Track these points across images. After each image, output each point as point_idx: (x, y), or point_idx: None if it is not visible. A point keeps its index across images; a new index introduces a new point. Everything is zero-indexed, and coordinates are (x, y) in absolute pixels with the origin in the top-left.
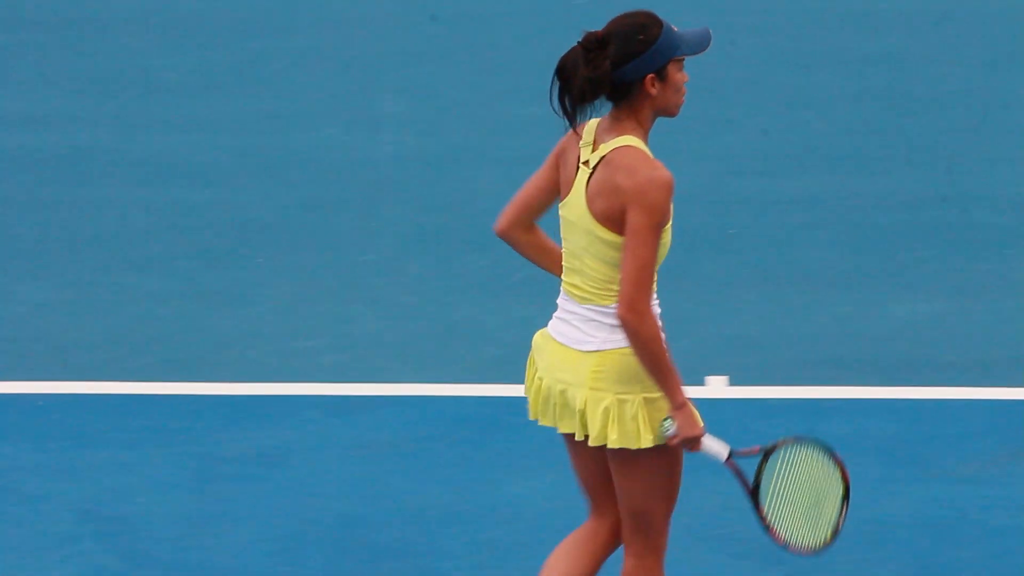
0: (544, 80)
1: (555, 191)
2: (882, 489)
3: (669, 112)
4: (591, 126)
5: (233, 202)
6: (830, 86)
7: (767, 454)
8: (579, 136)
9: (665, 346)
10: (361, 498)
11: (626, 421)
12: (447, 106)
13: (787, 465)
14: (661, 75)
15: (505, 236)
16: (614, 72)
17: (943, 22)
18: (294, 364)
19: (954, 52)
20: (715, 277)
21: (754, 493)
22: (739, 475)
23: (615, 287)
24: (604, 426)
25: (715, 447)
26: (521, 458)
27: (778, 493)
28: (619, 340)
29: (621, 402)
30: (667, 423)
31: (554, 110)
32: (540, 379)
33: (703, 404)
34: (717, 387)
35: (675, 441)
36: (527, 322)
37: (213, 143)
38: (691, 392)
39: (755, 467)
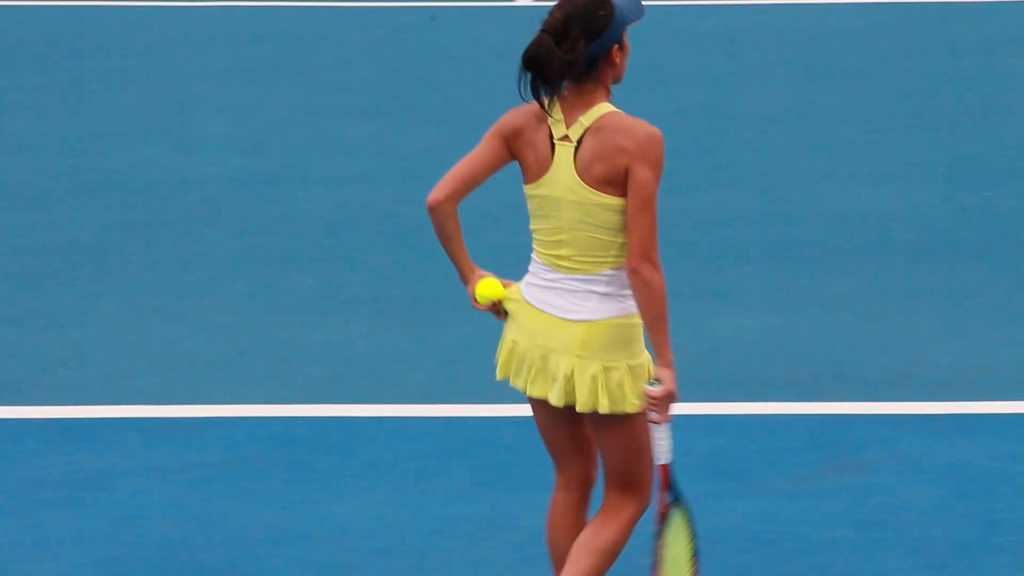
0: (367, 99)
1: (496, 169)
2: (707, 504)
3: (620, 79)
4: (554, 105)
5: (54, 223)
6: (652, 103)
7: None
8: (541, 117)
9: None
10: (185, 521)
11: (612, 388)
12: (270, 126)
13: (677, 527)
14: (621, 44)
15: (439, 207)
16: (588, 55)
17: (762, 41)
18: (117, 386)
19: (774, 70)
20: None
21: (664, 519)
22: (666, 487)
23: (612, 253)
24: (592, 393)
25: (666, 443)
26: (347, 478)
27: (672, 542)
28: (607, 311)
29: (607, 370)
30: (654, 382)
31: (523, 98)
32: (515, 342)
33: (528, 422)
34: None
35: (660, 394)
36: (351, 342)
37: (33, 164)
38: (515, 410)
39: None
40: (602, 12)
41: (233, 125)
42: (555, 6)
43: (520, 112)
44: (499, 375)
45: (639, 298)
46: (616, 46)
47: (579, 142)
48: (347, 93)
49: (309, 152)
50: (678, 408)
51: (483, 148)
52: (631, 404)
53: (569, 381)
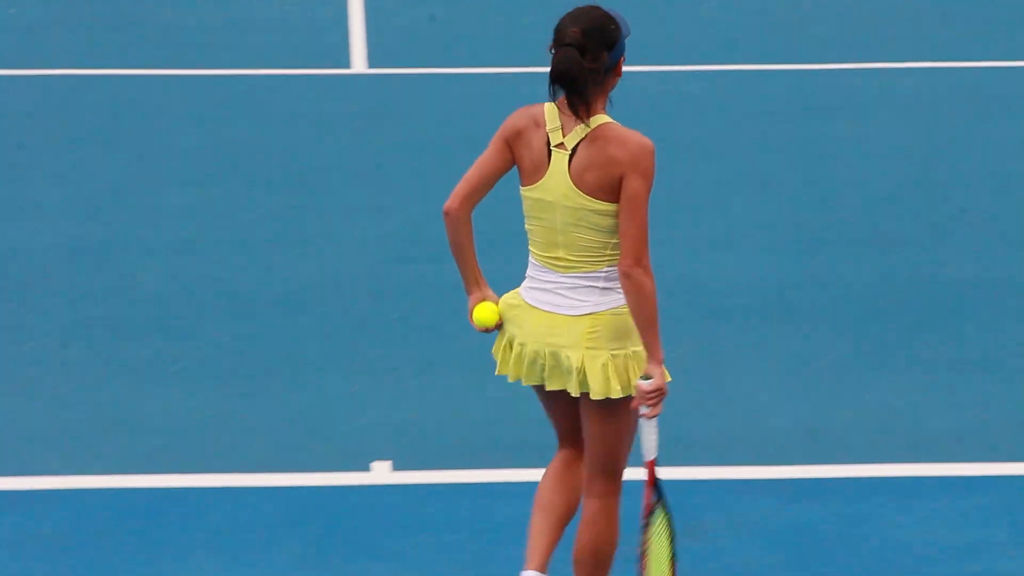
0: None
1: (504, 171)
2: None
3: (612, 88)
4: (552, 113)
5: None
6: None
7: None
8: (540, 122)
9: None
10: None
11: (621, 373)
12: (102, 194)
13: (660, 524)
14: (624, 57)
15: (456, 213)
16: (605, 68)
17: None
18: None
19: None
20: (379, 362)
21: (650, 514)
22: (651, 484)
23: (607, 252)
24: (604, 380)
25: (654, 438)
26: (186, 548)
27: (657, 536)
28: (608, 302)
29: (614, 357)
30: (646, 377)
31: (566, 112)
32: (522, 345)
33: (367, 491)
34: (381, 473)
35: (651, 388)
36: (187, 411)
37: None
38: (354, 479)
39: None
40: (613, 26)
41: (65, 193)
42: (567, 23)
43: (522, 114)
44: (510, 377)
45: (630, 300)
46: (623, 57)
47: (574, 150)
48: (178, 160)
49: (142, 220)
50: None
51: (490, 152)
52: (635, 388)
53: (581, 372)
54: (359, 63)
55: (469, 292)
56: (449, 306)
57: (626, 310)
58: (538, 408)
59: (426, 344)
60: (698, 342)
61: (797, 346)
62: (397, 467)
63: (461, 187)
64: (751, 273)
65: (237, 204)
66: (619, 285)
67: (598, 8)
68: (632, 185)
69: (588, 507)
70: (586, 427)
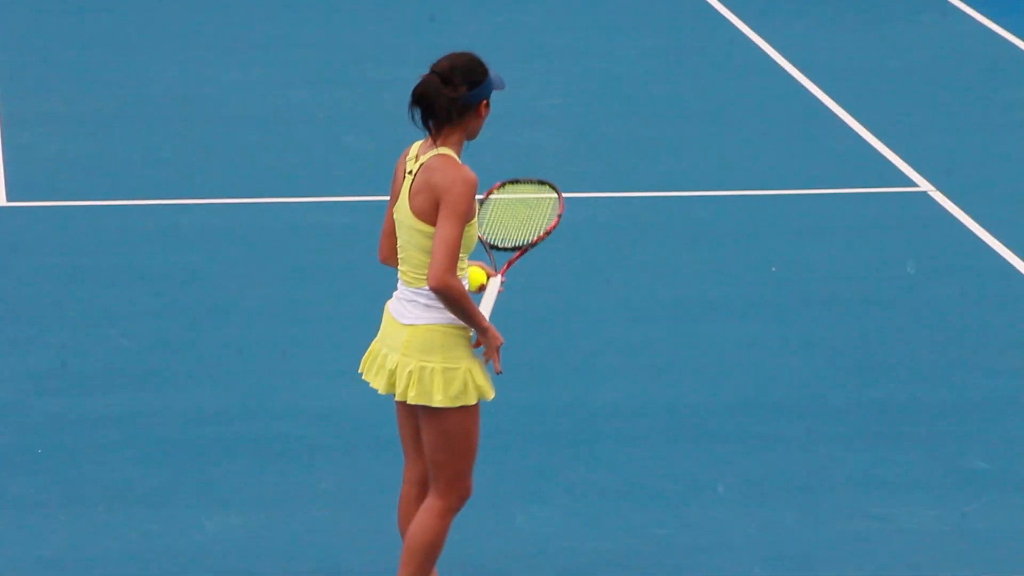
0: None
1: None
2: None
3: (475, 135)
4: (417, 145)
5: None
6: (130, 302)
7: (481, 203)
8: (407, 155)
9: (469, 297)
10: None
11: (424, 383)
12: None
13: (499, 203)
14: (487, 103)
15: (383, 258)
16: (462, 101)
17: (243, 238)
18: None
19: (251, 268)
20: (24, 498)
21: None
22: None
23: (424, 272)
24: (407, 386)
25: (492, 299)
26: None
27: (494, 221)
28: (427, 318)
29: (422, 368)
30: (479, 352)
31: (419, 127)
32: (376, 343)
33: None
34: None
35: (487, 348)
36: None
37: None
38: None
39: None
40: (481, 68)
41: None
42: (442, 58)
43: (404, 153)
44: (360, 367)
45: (446, 305)
46: (485, 101)
47: (414, 176)
48: None
49: None
50: None
51: (391, 197)
52: (436, 399)
53: (392, 374)
54: None
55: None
56: (96, 439)
57: (440, 328)
58: (191, 540)
59: (71, 478)
60: (347, 472)
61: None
62: None
63: (382, 240)
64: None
65: None
66: (436, 304)
67: (469, 54)
68: (443, 210)
69: (424, 502)
70: (421, 433)
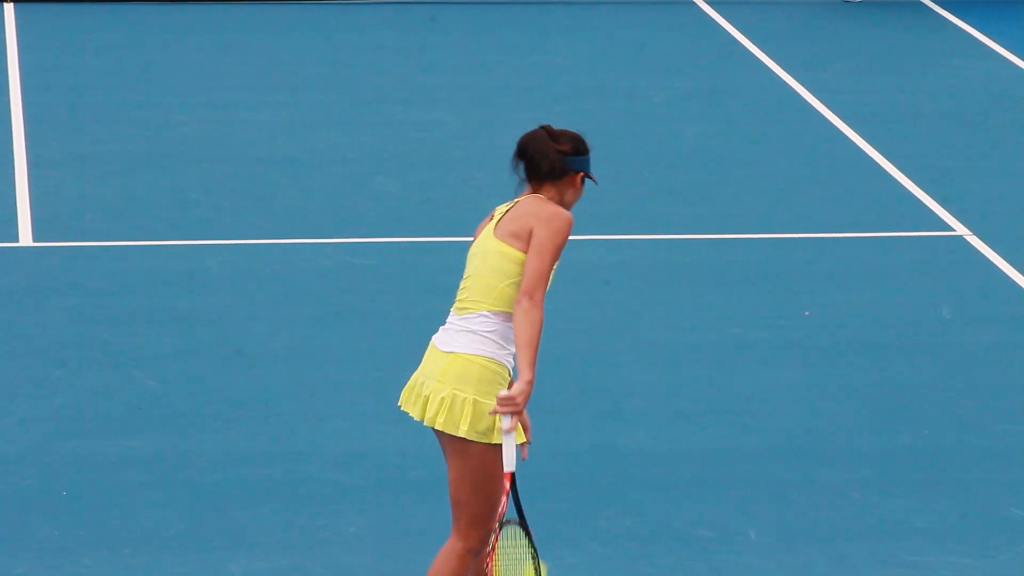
0: None
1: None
2: None
3: (569, 206)
4: (500, 208)
5: None
6: (156, 344)
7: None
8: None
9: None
10: None
11: (454, 411)
12: None
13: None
14: (585, 178)
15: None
16: (565, 159)
17: (271, 280)
18: None
19: (279, 310)
20: (50, 541)
21: (500, 520)
22: (506, 493)
23: (490, 298)
24: (437, 411)
25: (512, 452)
26: None
27: (511, 557)
28: (470, 348)
29: (454, 396)
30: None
31: (521, 179)
32: (415, 374)
33: None
34: None
35: (506, 395)
36: None
37: None
38: None
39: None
40: (583, 142)
41: None
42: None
43: (488, 218)
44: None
45: (520, 323)
46: (583, 174)
47: (502, 215)
48: None
49: None
50: None
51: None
52: (463, 430)
53: (427, 400)
54: (26, 236)
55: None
56: (122, 481)
57: (479, 359)
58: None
59: (98, 520)
60: (375, 515)
61: None
62: None
63: None
64: (423, 445)
65: None
66: (488, 335)
67: (572, 132)
68: (538, 238)
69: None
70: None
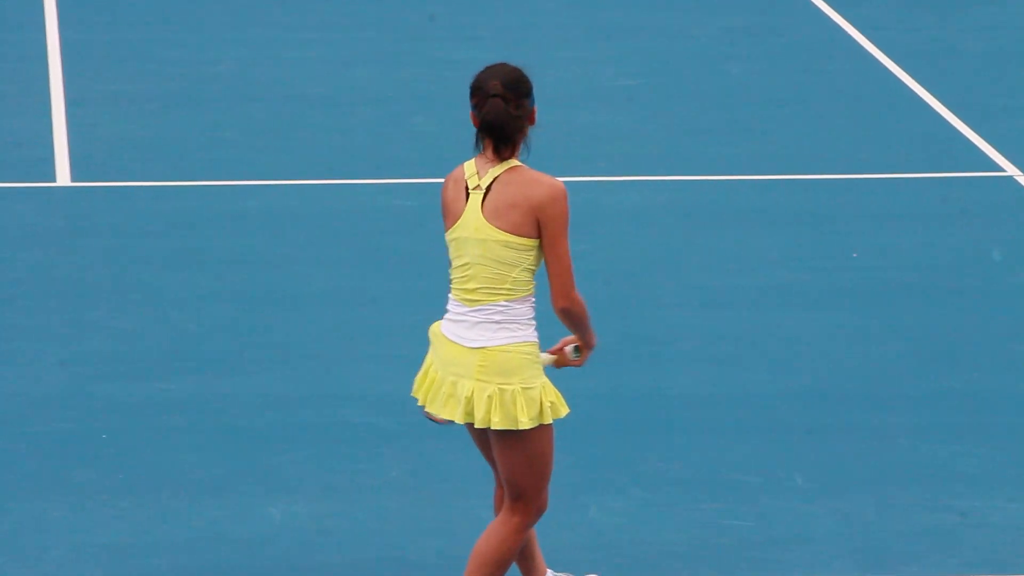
0: None
1: None
2: None
3: (527, 140)
4: (468, 166)
5: None
6: (194, 285)
7: None
8: (459, 179)
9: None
10: None
11: (507, 406)
12: None
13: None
14: (536, 107)
15: None
16: (524, 109)
17: (310, 222)
18: None
19: (317, 251)
20: (87, 485)
21: None
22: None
23: (505, 287)
24: (488, 411)
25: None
26: None
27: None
28: (499, 339)
29: (502, 391)
30: (573, 349)
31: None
32: (436, 372)
33: None
34: None
35: (582, 362)
36: None
37: None
38: None
39: None
40: (525, 78)
41: None
42: (484, 78)
43: (446, 183)
44: (420, 399)
45: (570, 322)
46: (535, 108)
47: (487, 189)
48: None
49: None
50: None
51: (448, 216)
52: (522, 422)
53: (469, 402)
54: (63, 176)
55: None
56: (159, 425)
57: (515, 347)
58: (255, 528)
59: (134, 464)
60: (413, 461)
61: None
62: None
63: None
64: None
65: None
66: (513, 322)
67: (507, 64)
68: (551, 228)
69: (498, 516)
70: (495, 453)
